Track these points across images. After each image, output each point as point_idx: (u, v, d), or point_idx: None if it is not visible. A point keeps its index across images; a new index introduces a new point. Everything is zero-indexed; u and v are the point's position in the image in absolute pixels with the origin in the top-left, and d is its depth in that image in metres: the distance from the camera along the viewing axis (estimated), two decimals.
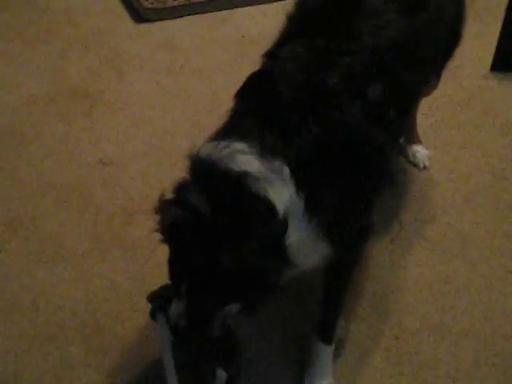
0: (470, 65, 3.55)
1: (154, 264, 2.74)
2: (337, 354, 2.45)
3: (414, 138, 3.15)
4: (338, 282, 2.30)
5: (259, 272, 1.88)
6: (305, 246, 1.96)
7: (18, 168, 3.18)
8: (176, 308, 2.01)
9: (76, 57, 3.78)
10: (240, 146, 1.91)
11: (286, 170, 1.89)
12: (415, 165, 3.14)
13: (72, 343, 2.54)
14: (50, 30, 3.98)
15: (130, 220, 2.93)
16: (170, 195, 1.97)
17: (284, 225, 1.89)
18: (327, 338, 2.39)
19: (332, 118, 1.98)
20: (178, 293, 1.99)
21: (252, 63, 3.53)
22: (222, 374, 2.21)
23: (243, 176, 1.85)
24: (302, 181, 1.91)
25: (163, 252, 2.69)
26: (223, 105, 3.35)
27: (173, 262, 2.03)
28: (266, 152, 1.89)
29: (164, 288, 2.26)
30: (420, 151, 3.15)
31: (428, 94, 2.89)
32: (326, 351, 2.42)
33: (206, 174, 1.92)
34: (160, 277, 2.68)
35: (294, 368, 2.48)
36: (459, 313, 2.62)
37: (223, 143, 1.94)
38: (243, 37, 3.89)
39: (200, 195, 1.88)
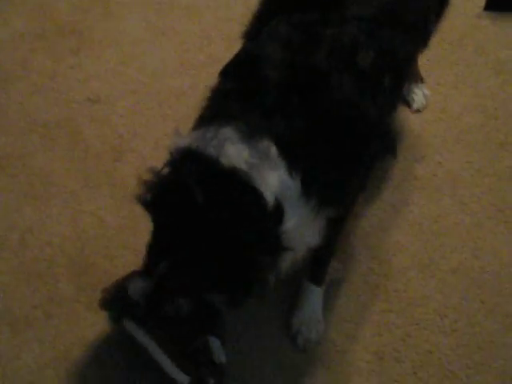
0: (462, 4, 3.49)
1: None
2: (326, 291, 2.46)
3: (415, 78, 3.09)
4: (332, 229, 2.17)
5: (248, 264, 1.84)
6: (302, 227, 1.91)
7: (5, 105, 3.14)
8: (141, 285, 1.94)
9: None
10: (226, 131, 1.85)
11: (273, 150, 1.83)
12: (408, 105, 3.10)
13: (61, 280, 2.54)
14: None
15: (118, 157, 2.91)
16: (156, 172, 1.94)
17: (277, 212, 1.83)
18: (318, 280, 2.41)
19: (321, 96, 1.92)
20: (151, 271, 1.91)
21: (243, 1, 3.52)
22: (215, 341, 2.16)
23: (232, 171, 1.79)
24: (294, 159, 1.84)
25: None
26: (212, 43, 3.37)
27: (156, 239, 1.96)
28: (251, 133, 1.83)
29: (120, 287, 2.13)
30: (418, 93, 3.09)
31: None
32: (316, 292, 2.43)
33: (195, 166, 1.84)
34: (148, 215, 2.68)
35: (283, 307, 2.50)
36: (448, 251, 2.63)
37: (210, 131, 1.88)
38: None
39: (194, 181, 1.81)
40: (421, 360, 2.38)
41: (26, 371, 2.34)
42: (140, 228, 2.65)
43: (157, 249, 1.94)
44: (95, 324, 2.42)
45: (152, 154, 2.88)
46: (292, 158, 1.84)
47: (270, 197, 1.80)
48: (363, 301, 2.50)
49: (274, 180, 1.81)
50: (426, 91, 3.10)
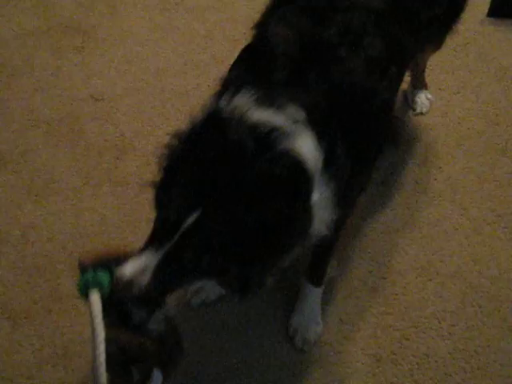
0: (466, 10, 3.50)
1: (143, 199, 2.73)
2: (324, 293, 2.47)
3: (420, 84, 3.12)
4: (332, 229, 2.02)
5: (286, 222, 1.67)
6: (320, 208, 1.81)
7: (9, 101, 3.15)
8: (142, 260, 1.65)
9: None
10: (242, 98, 1.76)
11: (303, 115, 1.75)
12: (413, 109, 3.11)
13: (61, 275, 2.56)
14: None
15: (120, 156, 2.92)
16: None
17: (311, 181, 1.73)
18: (317, 281, 2.41)
19: (333, 72, 1.89)
20: (161, 236, 1.67)
21: (247, 3, 3.53)
22: (158, 375, 1.83)
23: (270, 131, 1.68)
24: (318, 130, 1.77)
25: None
26: (216, 43, 3.38)
27: (186, 187, 1.67)
28: (272, 100, 1.76)
29: (104, 256, 1.78)
30: (422, 97, 3.11)
31: (433, 52, 2.87)
32: (314, 293, 2.44)
33: (231, 129, 1.68)
34: (150, 213, 2.69)
35: (282, 308, 2.51)
36: (447, 255, 2.64)
37: (224, 100, 1.78)
38: None
39: (244, 130, 1.67)
40: (418, 363, 2.39)
41: (25, 366, 2.36)
42: (140, 226, 2.66)
43: (183, 199, 1.66)
44: None
45: (154, 153, 2.88)
46: (316, 128, 1.77)
47: (310, 163, 1.72)
48: (361, 303, 2.51)
49: (309, 145, 1.74)
50: (430, 95, 3.11)
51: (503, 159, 2.94)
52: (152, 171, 2.67)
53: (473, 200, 2.80)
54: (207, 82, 3.14)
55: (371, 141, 2.03)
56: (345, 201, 1.96)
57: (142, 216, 2.67)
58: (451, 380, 2.35)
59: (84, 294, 1.73)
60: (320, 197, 1.79)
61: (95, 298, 1.66)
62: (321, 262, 2.38)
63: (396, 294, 2.53)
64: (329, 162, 1.79)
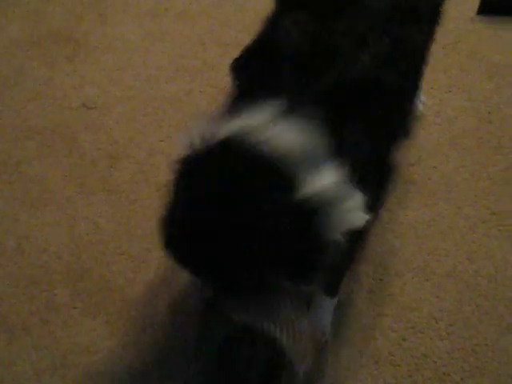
0: (456, 8, 3.51)
1: (138, 207, 2.73)
2: None
3: None
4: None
5: None
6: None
7: (1, 112, 3.15)
8: None
9: (58, 0, 3.73)
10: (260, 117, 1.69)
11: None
12: None
13: (57, 286, 2.54)
14: None
15: (114, 164, 2.91)
16: None
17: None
18: (332, 292, 2.38)
19: (338, 63, 1.87)
20: None
21: (237, 7, 3.53)
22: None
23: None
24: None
25: (148, 196, 2.71)
26: (207, 49, 3.38)
27: None
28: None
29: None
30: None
31: None
32: (329, 304, 2.41)
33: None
34: (145, 220, 2.70)
35: None
36: (443, 255, 2.63)
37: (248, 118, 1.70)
38: None
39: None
40: (416, 363, 2.38)
41: (23, 378, 2.34)
42: (136, 233, 2.66)
43: None
44: (91, 330, 2.43)
45: (147, 160, 2.88)
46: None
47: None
48: (358, 305, 2.50)
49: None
50: (423, 98, 3.11)
51: (496, 157, 2.94)
52: (145, 179, 2.69)
53: (467, 198, 2.80)
54: (199, 88, 3.14)
55: (385, 126, 1.97)
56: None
57: (137, 224, 2.68)
58: (450, 380, 2.35)
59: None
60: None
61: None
62: (340, 270, 2.31)
63: (393, 295, 2.53)
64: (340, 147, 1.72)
